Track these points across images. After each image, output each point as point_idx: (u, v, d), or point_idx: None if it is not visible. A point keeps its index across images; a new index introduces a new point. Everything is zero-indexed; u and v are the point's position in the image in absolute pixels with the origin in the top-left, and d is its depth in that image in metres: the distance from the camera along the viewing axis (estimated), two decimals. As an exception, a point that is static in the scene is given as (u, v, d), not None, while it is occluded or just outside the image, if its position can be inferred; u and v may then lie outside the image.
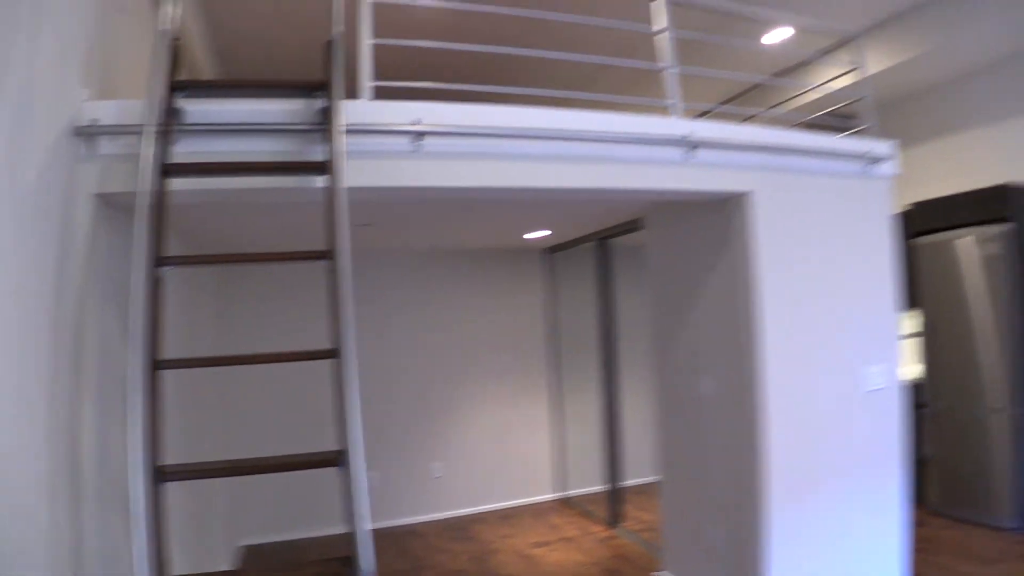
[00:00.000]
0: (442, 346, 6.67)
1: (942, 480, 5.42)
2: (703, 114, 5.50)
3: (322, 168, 2.47)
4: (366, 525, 2.09)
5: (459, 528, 6.14)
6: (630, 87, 6.41)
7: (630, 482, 6.17)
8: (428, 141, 2.79)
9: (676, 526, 4.42)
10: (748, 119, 4.77)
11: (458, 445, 6.67)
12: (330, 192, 2.40)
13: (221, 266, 5.68)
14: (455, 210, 4.33)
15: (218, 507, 4.89)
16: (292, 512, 5.94)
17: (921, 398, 5.53)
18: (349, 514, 2.11)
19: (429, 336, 6.62)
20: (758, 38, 5.58)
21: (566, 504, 6.78)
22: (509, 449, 6.86)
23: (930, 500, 5.48)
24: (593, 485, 6.48)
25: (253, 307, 5.99)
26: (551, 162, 3.07)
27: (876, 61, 5.52)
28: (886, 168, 4.01)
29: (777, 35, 5.56)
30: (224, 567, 4.87)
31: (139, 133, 2.30)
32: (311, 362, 2.33)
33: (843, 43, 4.51)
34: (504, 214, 4.73)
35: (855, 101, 4.31)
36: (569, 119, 3.11)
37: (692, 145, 3.30)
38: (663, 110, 3.47)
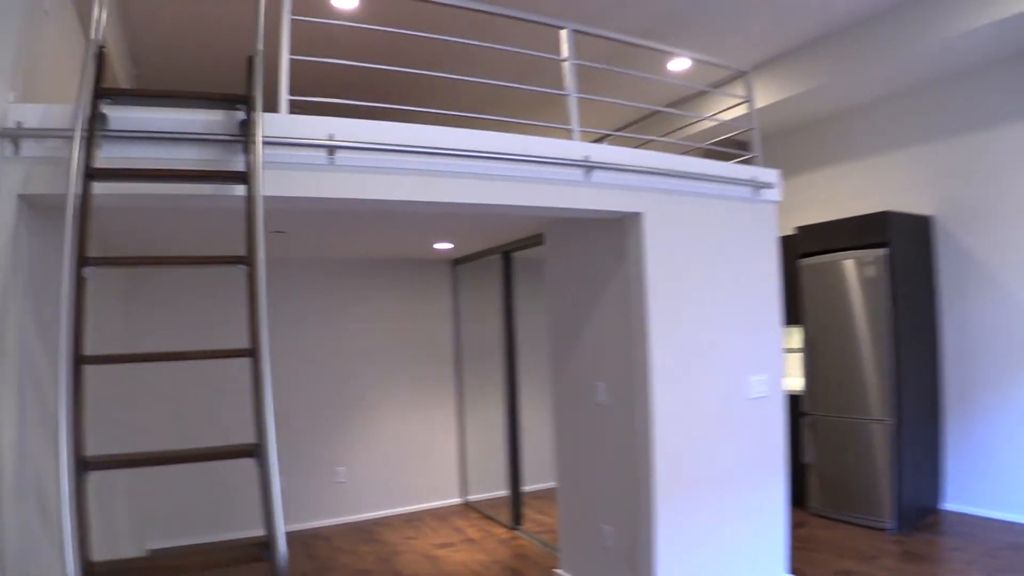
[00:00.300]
0: (349, 352, 6.75)
1: (822, 484, 5.78)
2: (603, 138, 5.77)
3: (242, 177, 2.56)
4: (279, 508, 2.24)
5: (364, 531, 6.24)
6: (533, 108, 6.64)
7: (531, 487, 6.39)
8: (341, 155, 2.90)
9: (572, 527, 4.57)
10: (645, 144, 5.05)
11: (363, 450, 6.74)
12: (249, 200, 2.50)
13: (130, 268, 5.67)
14: (366, 220, 4.44)
15: (122, 510, 4.86)
16: (198, 515, 5.92)
17: (803, 407, 5.92)
18: (265, 500, 2.25)
19: (337, 342, 6.70)
20: (659, 68, 5.90)
21: (469, 508, 6.95)
22: (414, 454, 6.97)
23: (811, 503, 5.85)
24: (496, 490, 6.68)
25: (160, 308, 5.94)
26: (458, 178, 3.21)
27: (765, 95, 5.93)
28: (771, 194, 4.31)
29: (676, 65, 5.90)
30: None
31: (64, 137, 2.37)
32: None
33: (736, 77, 4.86)
34: (412, 226, 4.85)
35: (745, 131, 4.65)
36: (475, 139, 3.26)
37: (591, 167, 3.52)
38: (565, 132, 3.68)
